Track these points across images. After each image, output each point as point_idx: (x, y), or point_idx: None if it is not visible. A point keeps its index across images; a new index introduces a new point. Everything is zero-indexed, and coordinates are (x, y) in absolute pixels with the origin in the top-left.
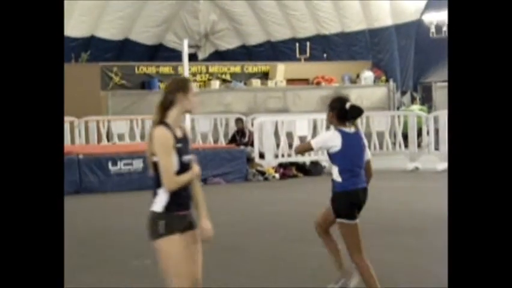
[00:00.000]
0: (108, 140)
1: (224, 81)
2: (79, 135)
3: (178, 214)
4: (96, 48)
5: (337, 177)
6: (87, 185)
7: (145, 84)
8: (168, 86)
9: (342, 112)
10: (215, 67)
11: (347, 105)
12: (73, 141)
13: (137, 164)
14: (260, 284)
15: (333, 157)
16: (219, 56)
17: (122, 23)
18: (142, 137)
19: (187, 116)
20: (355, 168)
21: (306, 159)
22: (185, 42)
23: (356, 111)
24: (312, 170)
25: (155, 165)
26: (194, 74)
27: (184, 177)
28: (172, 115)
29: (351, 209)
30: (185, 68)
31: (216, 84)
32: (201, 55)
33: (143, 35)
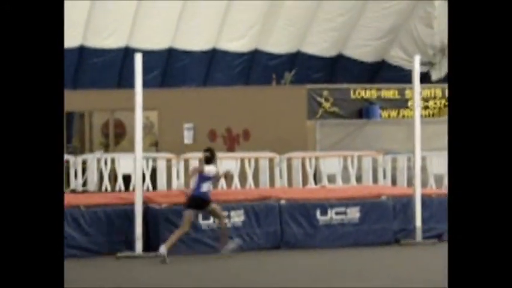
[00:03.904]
0: (316, 183)
1: None
2: (280, 176)
3: None
4: (302, 66)
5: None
6: (289, 238)
7: (363, 112)
8: None
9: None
10: None
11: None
12: (272, 183)
13: (353, 214)
14: None
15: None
16: None
17: (335, 35)
18: (358, 179)
19: (417, 154)
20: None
21: None
22: (417, 59)
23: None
24: None
25: None
26: (426, 100)
27: None
28: None
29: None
30: (416, 92)
31: None
32: (435, 75)
33: (361, 50)
